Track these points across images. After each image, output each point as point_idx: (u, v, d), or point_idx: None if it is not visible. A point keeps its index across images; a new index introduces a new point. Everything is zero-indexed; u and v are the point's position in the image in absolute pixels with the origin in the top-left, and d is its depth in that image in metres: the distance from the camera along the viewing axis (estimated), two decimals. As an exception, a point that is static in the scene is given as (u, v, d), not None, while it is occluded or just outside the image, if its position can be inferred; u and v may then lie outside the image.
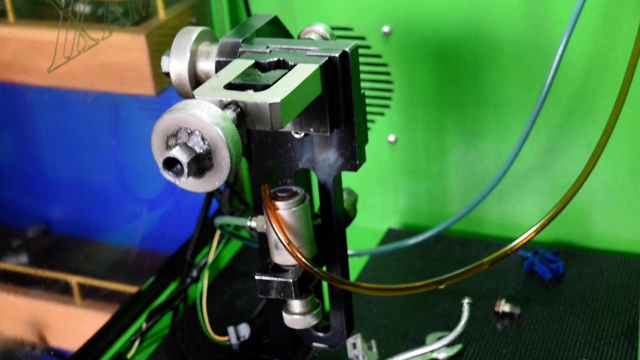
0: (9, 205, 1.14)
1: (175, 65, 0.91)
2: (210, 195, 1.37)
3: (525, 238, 0.98)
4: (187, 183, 0.78)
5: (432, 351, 1.06)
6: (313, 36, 0.96)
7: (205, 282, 1.16)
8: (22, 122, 1.11)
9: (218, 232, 1.22)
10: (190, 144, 0.75)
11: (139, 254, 1.30)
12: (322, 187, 0.96)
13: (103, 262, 1.28)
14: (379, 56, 1.26)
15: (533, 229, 0.99)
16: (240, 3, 1.28)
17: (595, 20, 1.17)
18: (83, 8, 1.05)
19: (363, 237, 1.34)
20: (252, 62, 0.87)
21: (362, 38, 1.25)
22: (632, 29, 1.03)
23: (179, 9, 1.21)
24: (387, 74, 1.28)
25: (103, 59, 1.11)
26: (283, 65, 0.87)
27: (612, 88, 1.09)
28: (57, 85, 1.08)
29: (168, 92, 1.18)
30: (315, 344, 1.06)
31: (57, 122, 1.17)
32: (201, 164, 0.76)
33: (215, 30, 1.31)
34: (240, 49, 0.89)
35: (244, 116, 0.79)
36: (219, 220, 1.07)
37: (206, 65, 0.91)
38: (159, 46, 1.15)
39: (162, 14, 1.16)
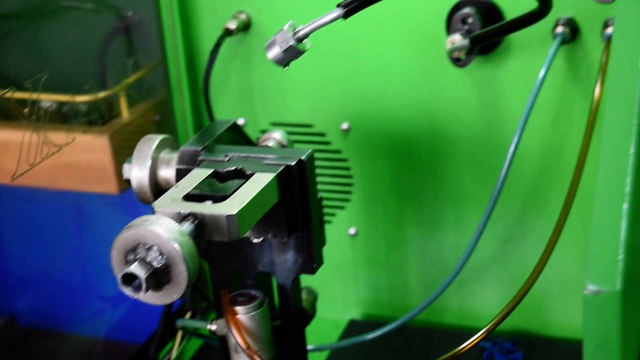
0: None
1: (136, 173, 0.93)
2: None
3: (483, 333, 0.99)
4: (146, 297, 0.78)
5: None
6: (271, 143, 0.99)
7: (168, 380, 1.15)
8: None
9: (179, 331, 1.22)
10: (148, 259, 0.76)
11: (105, 346, 1.30)
12: (281, 289, 0.97)
13: (69, 355, 1.26)
14: (338, 152, 1.28)
15: (489, 324, 1.00)
16: (202, 99, 1.31)
17: (546, 118, 1.20)
18: (48, 110, 1.06)
19: (325, 328, 1.34)
20: (211, 171, 0.89)
21: (322, 134, 1.28)
22: (581, 126, 1.07)
23: (143, 107, 1.23)
24: (346, 168, 1.30)
25: (67, 160, 1.12)
26: (241, 175, 0.89)
27: (564, 182, 1.10)
28: (21, 184, 1.08)
29: (131, 190, 1.18)
30: None
31: (22, 217, 1.17)
32: (159, 278, 0.77)
33: (178, 128, 1.33)
34: (200, 157, 0.92)
35: (202, 227, 0.80)
36: (181, 323, 1.07)
37: (167, 172, 0.93)
38: (123, 143, 1.17)
39: (125, 113, 1.19)
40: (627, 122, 0.77)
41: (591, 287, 0.71)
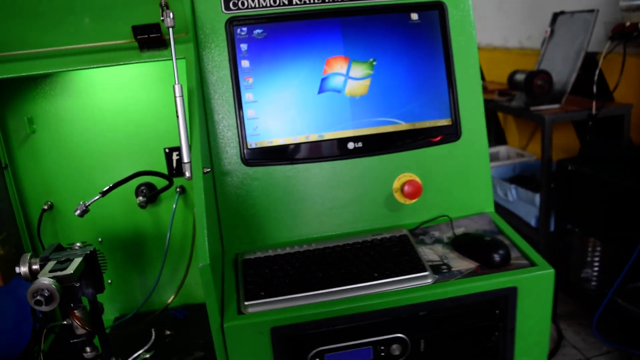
0: None
1: (23, 269, 1.06)
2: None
3: (166, 306, 1.21)
4: (44, 308, 0.97)
5: None
6: (77, 247, 1.14)
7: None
8: None
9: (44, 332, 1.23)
10: (44, 294, 0.97)
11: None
12: (91, 302, 1.09)
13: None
14: (99, 250, 1.23)
15: (170, 301, 1.22)
16: (37, 240, 1.30)
17: (179, 220, 1.32)
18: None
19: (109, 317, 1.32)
20: (55, 262, 1.04)
21: (91, 245, 1.17)
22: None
23: (8, 247, 1.22)
24: (104, 258, 1.35)
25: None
26: (68, 260, 1.05)
27: (190, 239, 1.33)
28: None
29: (12, 282, 1.21)
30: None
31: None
32: (48, 300, 0.97)
33: (29, 247, 1.31)
34: (49, 257, 1.05)
35: (59, 281, 0.99)
36: (50, 324, 1.19)
37: (36, 266, 1.06)
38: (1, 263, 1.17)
39: (1, 252, 1.19)
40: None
41: (201, 264, 0.87)
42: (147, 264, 1.38)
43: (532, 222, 3.02)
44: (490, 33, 4.05)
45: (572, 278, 2.72)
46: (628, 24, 2.71)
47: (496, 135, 4.10)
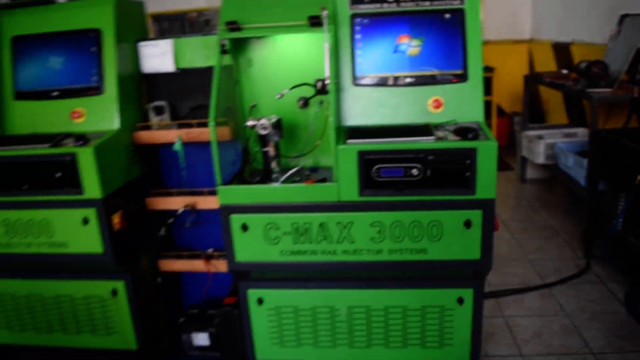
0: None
1: (250, 122, 2.59)
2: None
3: None
4: (263, 132, 2.47)
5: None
6: (273, 116, 2.72)
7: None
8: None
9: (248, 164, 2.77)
10: (264, 125, 2.52)
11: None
12: (275, 144, 2.66)
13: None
14: None
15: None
16: (247, 116, 2.90)
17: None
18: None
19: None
20: (265, 119, 2.63)
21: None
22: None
23: (235, 123, 2.87)
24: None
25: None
26: (271, 119, 2.63)
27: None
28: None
29: (232, 139, 2.77)
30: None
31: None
32: (265, 128, 2.51)
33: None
34: (261, 118, 2.65)
35: (278, 125, 2.56)
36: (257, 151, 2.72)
37: (255, 122, 2.62)
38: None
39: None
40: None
41: (331, 118, 2.32)
42: (300, 141, 2.67)
43: (582, 182, 4.25)
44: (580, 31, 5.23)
45: (606, 226, 3.89)
46: (672, 26, 3.89)
47: (579, 119, 5.31)
